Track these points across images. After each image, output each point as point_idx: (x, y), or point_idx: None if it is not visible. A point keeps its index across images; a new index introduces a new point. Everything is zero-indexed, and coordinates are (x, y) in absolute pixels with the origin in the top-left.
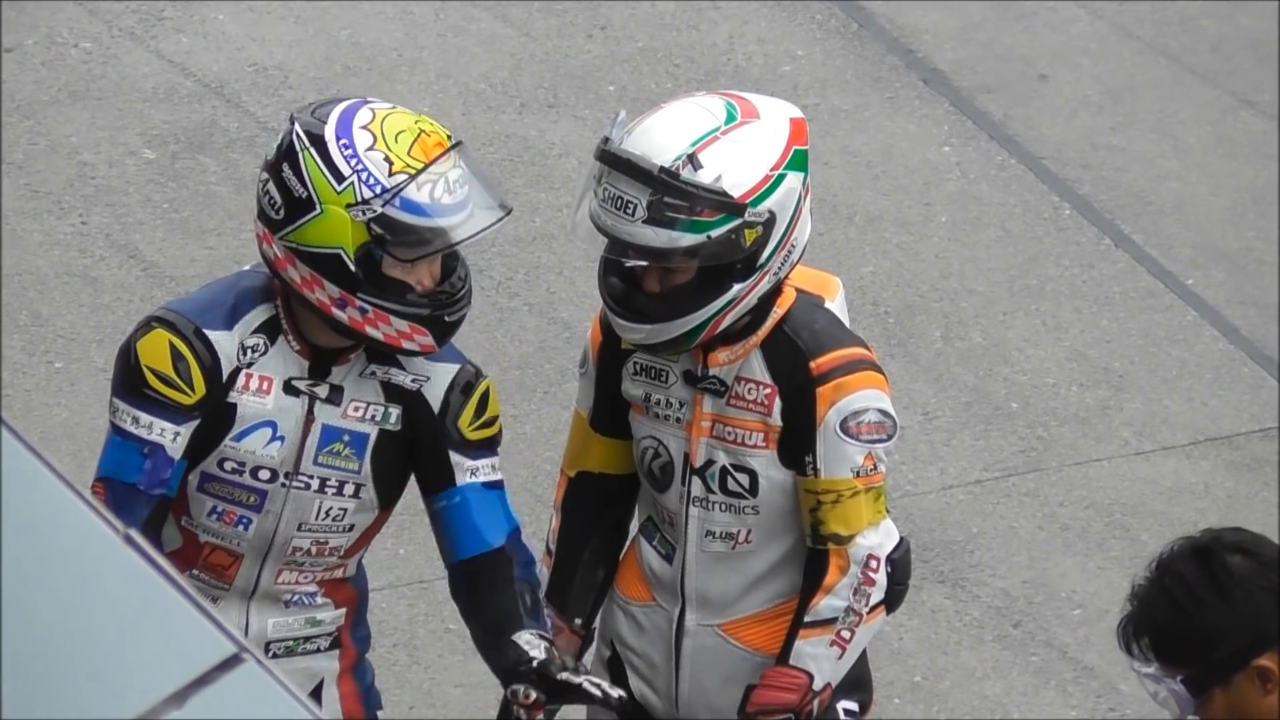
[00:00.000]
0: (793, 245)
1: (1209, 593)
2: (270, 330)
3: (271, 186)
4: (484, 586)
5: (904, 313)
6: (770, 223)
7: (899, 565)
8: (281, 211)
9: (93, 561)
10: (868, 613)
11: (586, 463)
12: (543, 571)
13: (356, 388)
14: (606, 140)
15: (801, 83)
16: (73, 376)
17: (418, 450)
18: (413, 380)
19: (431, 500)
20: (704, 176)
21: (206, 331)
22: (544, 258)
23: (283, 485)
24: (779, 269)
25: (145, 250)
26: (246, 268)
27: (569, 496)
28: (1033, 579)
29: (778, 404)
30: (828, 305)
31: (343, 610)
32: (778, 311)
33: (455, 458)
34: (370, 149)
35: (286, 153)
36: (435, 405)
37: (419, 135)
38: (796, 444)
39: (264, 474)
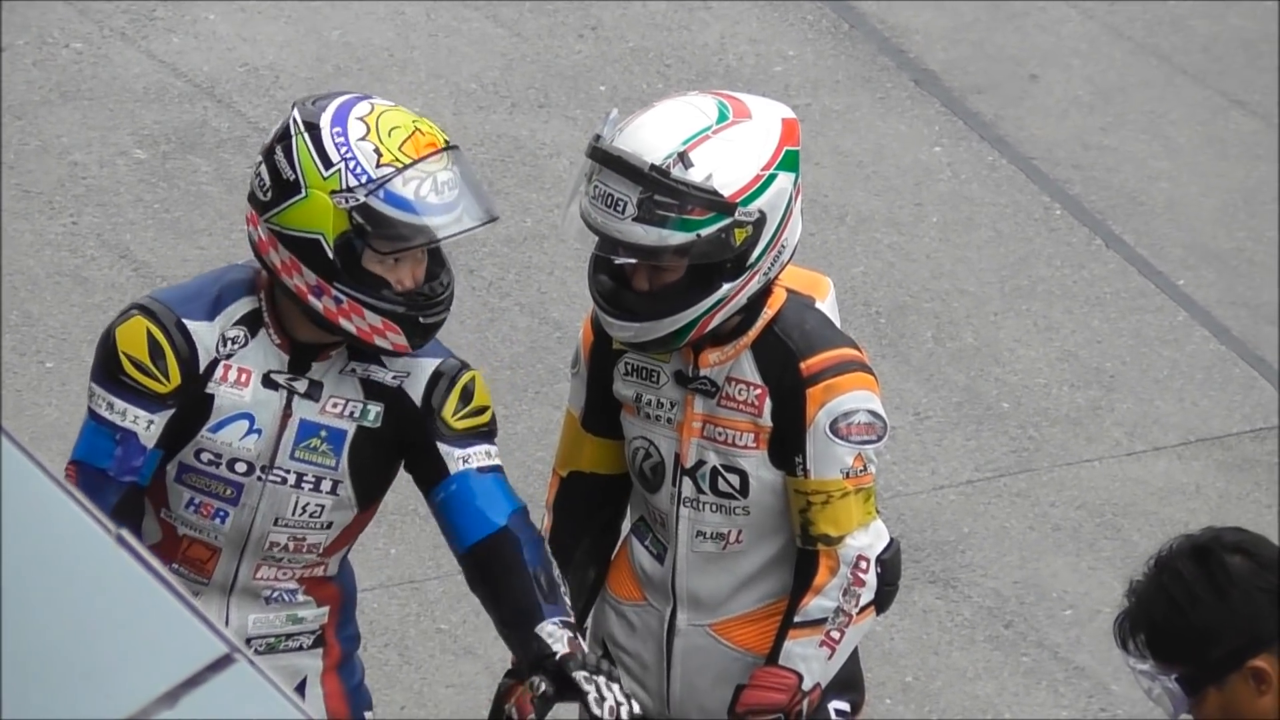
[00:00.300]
0: (783, 245)
1: (1206, 592)
2: (252, 322)
3: (263, 169)
4: (496, 575)
5: (895, 313)
6: (760, 222)
7: (889, 566)
8: (269, 193)
9: (84, 562)
10: (857, 613)
11: (578, 463)
12: None
13: (336, 384)
14: (598, 138)
15: (793, 83)
16: (64, 376)
17: (409, 450)
18: (393, 378)
19: (431, 496)
20: (694, 175)
21: (187, 322)
22: (535, 258)
23: (259, 479)
24: (769, 269)
25: (136, 250)
26: (240, 263)
27: (560, 496)
28: (1024, 579)
29: (768, 405)
30: (818, 306)
31: (326, 609)
32: (768, 312)
33: (444, 449)
34: (362, 139)
35: (281, 136)
36: (418, 401)
37: (413, 133)
38: (786, 445)
39: (240, 466)
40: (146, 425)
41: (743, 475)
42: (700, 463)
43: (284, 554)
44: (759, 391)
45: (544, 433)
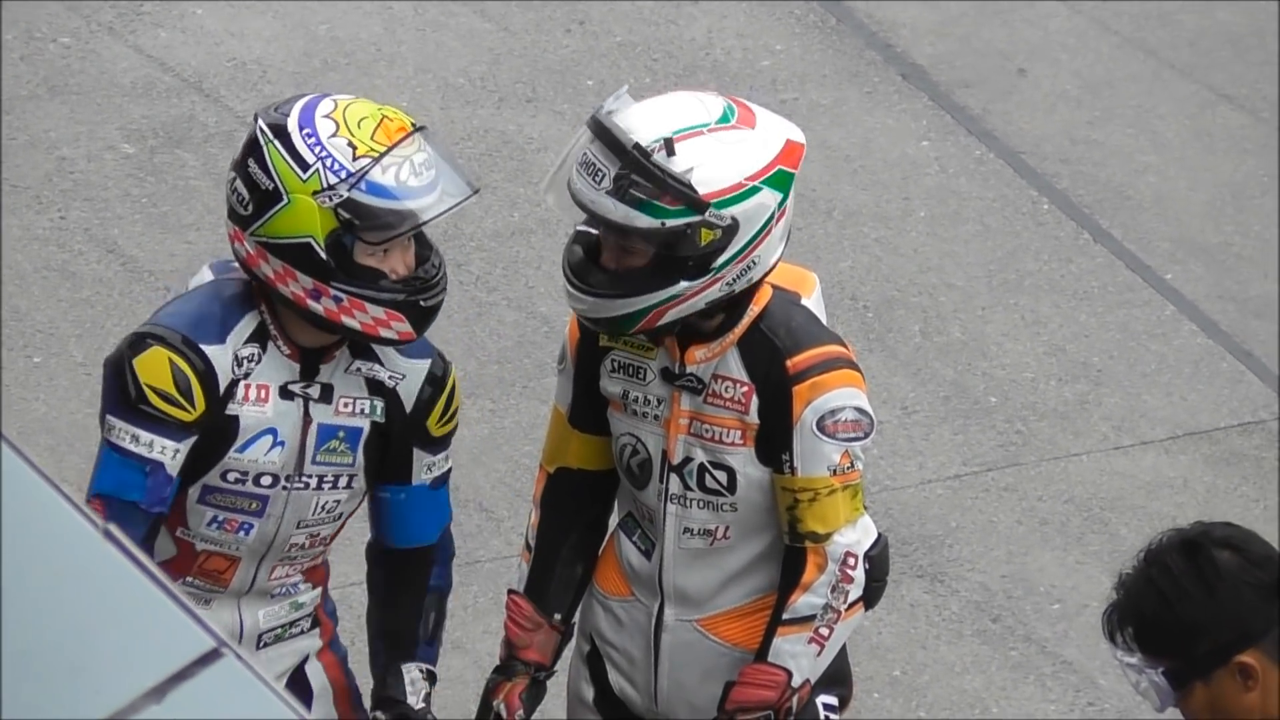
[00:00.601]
0: (753, 261)
1: (1194, 586)
2: (261, 338)
3: (239, 184)
4: (400, 584)
5: (883, 307)
6: (732, 230)
7: (877, 562)
8: (250, 207)
9: (71, 557)
10: (846, 610)
11: (565, 459)
12: (521, 567)
13: (344, 384)
14: (601, 108)
15: (780, 77)
16: (51, 371)
17: (388, 443)
18: (390, 378)
19: (379, 489)
20: (675, 165)
21: (202, 347)
22: (523, 252)
23: (284, 488)
24: (733, 280)
25: (124, 245)
26: (207, 268)
27: (548, 492)
28: (1012, 574)
29: (755, 402)
30: (804, 302)
31: (319, 589)
32: (754, 309)
33: (417, 454)
34: (333, 136)
35: (251, 148)
36: (409, 404)
37: (381, 120)
38: (773, 442)
39: (266, 480)
40: (173, 455)
41: (730, 472)
42: (687, 459)
43: (299, 552)
44: (745, 389)
45: (531, 427)
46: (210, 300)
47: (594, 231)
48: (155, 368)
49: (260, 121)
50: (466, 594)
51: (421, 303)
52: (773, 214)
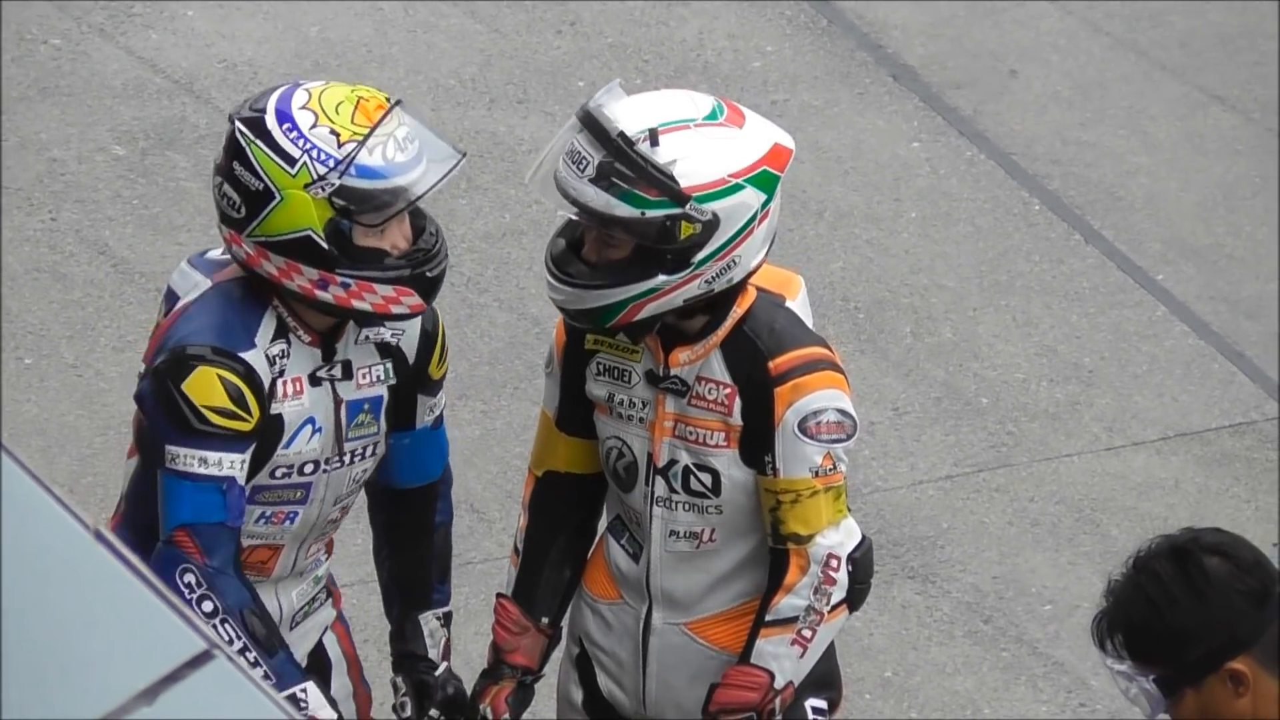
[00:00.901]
0: (733, 260)
1: (1184, 593)
2: (283, 333)
3: (227, 188)
4: (409, 524)
5: (874, 308)
6: (712, 225)
7: (860, 564)
8: (242, 209)
9: (63, 558)
10: (829, 611)
11: (553, 462)
12: (510, 570)
13: (359, 355)
14: (591, 100)
15: (771, 78)
16: (42, 372)
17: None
18: (392, 335)
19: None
20: (658, 156)
21: (241, 355)
22: (514, 253)
23: (324, 471)
24: (712, 278)
25: (115, 246)
26: (187, 265)
27: (536, 496)
28: (1003, 574)
29: (738, 404)
30: (789, 304)
31: (330, 558)
32: (738, 311)
33: (421, 399)
34: (314, 126)
35: (234, 151)
36: (411, 357)
37: (358, 102)
38: (756, 444)
39: (308, 468)
40: (241, 466)
41: (715, 474)
42: (672, 462)
43: (331, 527)
44: (728, 390)
45: (522, 428)
46: (224, 307)
47: (578, 219)
48: (206, 387)
49: (237, 122)
50: (458, 596)
51: (427, 273)
52: (755, 214)
